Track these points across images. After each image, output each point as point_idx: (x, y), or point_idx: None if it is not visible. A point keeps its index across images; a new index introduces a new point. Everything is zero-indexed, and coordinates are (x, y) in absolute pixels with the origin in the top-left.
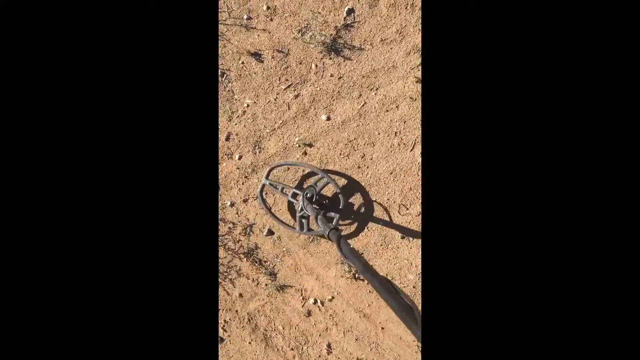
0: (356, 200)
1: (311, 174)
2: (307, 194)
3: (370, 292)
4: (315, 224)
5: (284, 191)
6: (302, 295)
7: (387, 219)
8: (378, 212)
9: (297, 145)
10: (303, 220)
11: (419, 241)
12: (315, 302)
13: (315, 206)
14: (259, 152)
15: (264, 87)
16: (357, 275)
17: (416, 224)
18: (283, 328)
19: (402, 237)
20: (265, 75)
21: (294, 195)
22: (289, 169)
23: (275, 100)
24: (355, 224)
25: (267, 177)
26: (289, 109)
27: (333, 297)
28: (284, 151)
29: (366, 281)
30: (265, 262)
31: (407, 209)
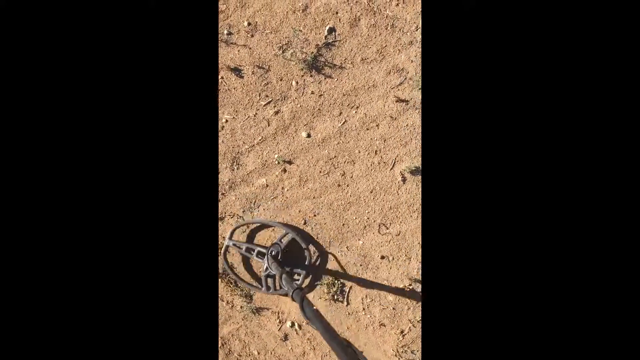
0: (316, 252)
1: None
2: (272, 251)
3: (349, 314)
4: (280, 283)
5: (249, 250)
6: (278, 318)
7: (344, 268)
8: (334, 264)
9: (277, 162)
10: (269, 279)
11: (399, 261)
12: (292, 325)
13: (279, 266)
14: (237, 169)
15: (244, 102)
16: (336, 297)
17: (396, 244)
18: (258, 353)
19: (382, 258)
20: (245, 91)
21: (259, 254)
22: (248, 227)
23: (254, 116)
24: (311, 277)
25: (230, 238)
26: (268, 125)
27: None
28: (262, 168)
29: (345, 303)
30: (243, 279)
31: (387, 228)
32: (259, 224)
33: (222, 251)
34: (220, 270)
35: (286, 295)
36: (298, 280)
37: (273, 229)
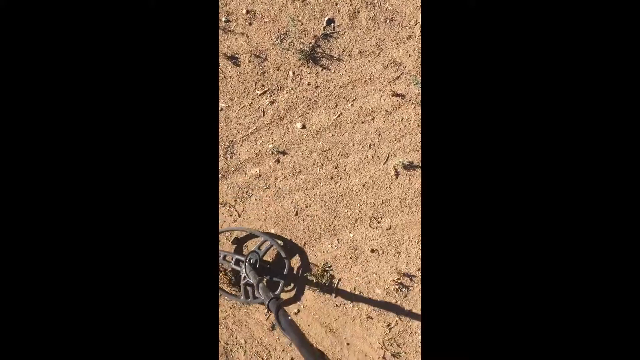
0: (295, 262)
1: (251, 236)
2: (250, 259)
3: (337, 306)
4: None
5: (226, 258)
6: (266, 308)
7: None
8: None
9: (271, 152)
10: (248, 288)
11: (388, 255)
12: None
13: (257, 274)
14: (231, 158)
15: (239, 91)
16: (324, 289)
17: (387, 238)
18: (245, 342)
19: (372, 251)
20: (241, 80)
21: (237, 262)
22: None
23: (250, 105)
24: (296, 289)
25: None
26: (263, 115)
27: (299, 311)
28: (256, 158)
29: (334, 295)
30: (230, 271)
31: (378, 222)
32: (243, 232)
33: None
34: None
35: (263, 304)
36: (277, 289)
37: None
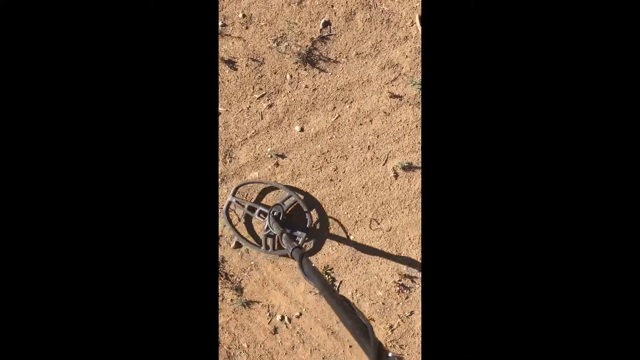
0: (316, 217)
1: (271, 188)
2: (274, 212)
3: None
4: (281, 242)
5: (251, 209)
6: (268, 311)
7: (344, 236)
8: (337, 230)
9: (269, 156)
10: (269, 239)
11: (389, 257)
12: (282, 318)
13: (280, 226)
14: (230, 162)
15: (237, 95)
16: None
17: (387, 239)
18: (248, 346)
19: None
20: (238, 84)
21: (261, 214)
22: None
23: (248, 109)
24: (313, 241)
25: (233, 195)
26: (262, 118)
27: (301, 314)
28: (255, 161)
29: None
30: (231, 276)
31: (379, 223)
32: (266, 185)
33: (224, 207)
34: (221, 226)
35: (286, 255)
36: (299, 241)
37: (278, 191)
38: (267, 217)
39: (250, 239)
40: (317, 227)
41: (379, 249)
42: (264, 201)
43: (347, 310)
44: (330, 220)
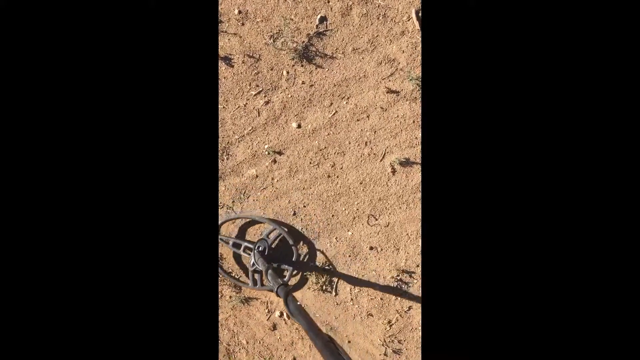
0: (303, 250)
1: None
2: (259, 247)
3: (337, 304)
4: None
5: (236, 245)
6: (267, 308)
7: (336, 265)
8: (322, 259)
9: (267, 152)
10: (256, 275)
11: (387, 252)
12: (281, 315)
13: (265, 261)
14: (227, 159)
15: (234, 92)
16: (324, 287)
17: (385, 235)
18: (247, 342)
19: (371, 248)
20: (235, 80)
21: (246, 249)
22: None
23: (244, 106)
24: (300, 275)
25: (217, 233)
26: (259, 115)
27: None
28: (252, 158)
29: (334, 293)
30: (230, 273)
31: (376, 219)
32: (249, 219)
33: None
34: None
35: (272, 290)
36: (285, 275)
37: (263, 224)
38: (252, 252)
39: (240, 273)
40: (306, 259)
41: (367, 281)
42: (251, 232)
43: (333, 353)
44: (318, 252)
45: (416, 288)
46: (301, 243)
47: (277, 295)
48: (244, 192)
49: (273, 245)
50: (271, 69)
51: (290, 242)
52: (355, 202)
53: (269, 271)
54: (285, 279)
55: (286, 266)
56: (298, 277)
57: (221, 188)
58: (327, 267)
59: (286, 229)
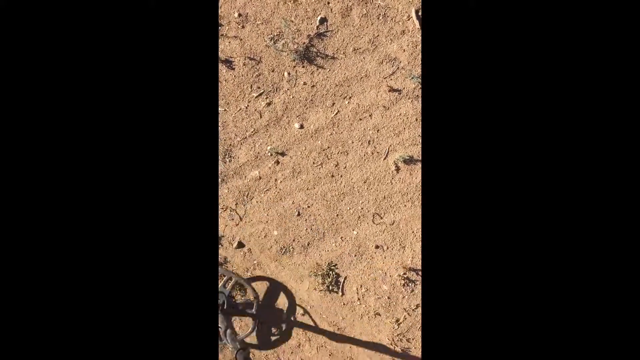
0: (281, 300)
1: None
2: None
3: (344, 304)
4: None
5: None
6: None
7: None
8: (302, 315)
9: (269, 154)
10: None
11: (393, 251)
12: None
13: (224, 319)
14: (229, 161)
15: (235, 94)
16: (331, 288)
17: (390, 233)
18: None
19: (376, 247)
20: (236, 83)
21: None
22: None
23: (246, 108)
24: (283, 328)
25: None
26: (260, 117)
27: (306, 311)
28: (255, 160)
29: (340, 293)
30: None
31: (381, 217)
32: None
33: None
34: None
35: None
36: (254, 329)
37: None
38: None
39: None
40: (284, 315)
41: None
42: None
43: None
44: (298, 307)
45: None
46: (279, 293)
47: (236, 358)
48: (248, 194)
49: (236, 296)
50: (272, 71)
51: (248, 290)
52: (360, 201)
53: (228, 331)
54: (246, 334)
55: (251, 316)
56: (283, 332)
57: (224, 191)
58: (310, 325)
59: (243, 276)
